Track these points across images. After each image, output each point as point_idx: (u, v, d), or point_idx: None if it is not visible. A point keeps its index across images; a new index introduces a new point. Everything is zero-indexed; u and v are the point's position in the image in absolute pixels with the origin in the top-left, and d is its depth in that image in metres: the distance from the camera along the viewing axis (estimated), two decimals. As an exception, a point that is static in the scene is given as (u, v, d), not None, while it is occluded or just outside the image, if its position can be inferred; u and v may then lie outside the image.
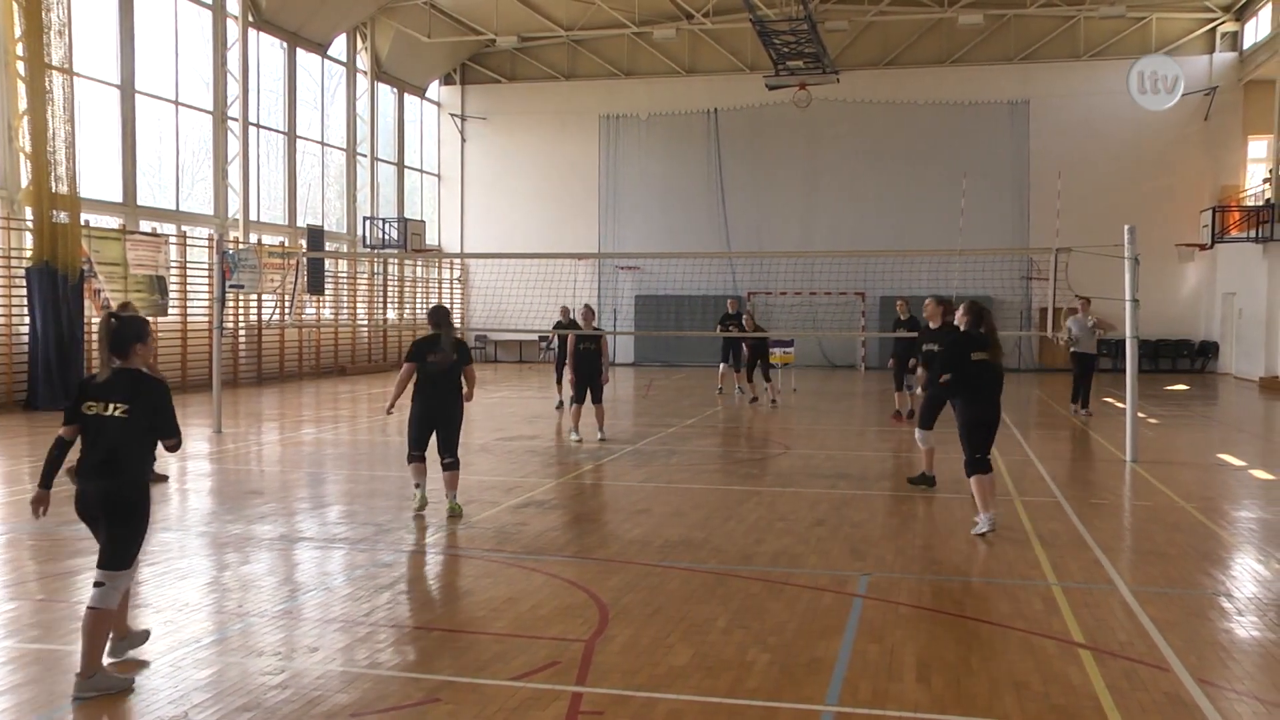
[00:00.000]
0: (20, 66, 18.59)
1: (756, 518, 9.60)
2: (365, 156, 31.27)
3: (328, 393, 23.00)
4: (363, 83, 31.04)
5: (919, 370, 11.92)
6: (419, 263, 33.29)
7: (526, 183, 34.65)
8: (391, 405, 9.70)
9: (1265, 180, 27.84)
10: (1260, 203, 27.21)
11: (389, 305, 31.70)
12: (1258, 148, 30.26)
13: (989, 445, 8.97)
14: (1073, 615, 6.57)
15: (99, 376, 5.31)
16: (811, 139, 32.29)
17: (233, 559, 8.07)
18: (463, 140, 35.34)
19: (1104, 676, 5.49)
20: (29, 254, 18.80)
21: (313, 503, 10.45)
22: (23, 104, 18.64)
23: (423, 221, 33.14)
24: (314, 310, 27.44)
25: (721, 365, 22.25)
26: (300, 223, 27.68)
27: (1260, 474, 12.39)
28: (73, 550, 8.09)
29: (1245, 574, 7.81)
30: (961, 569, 7.77)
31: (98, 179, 21.37)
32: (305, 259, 22.06)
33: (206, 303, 22.85)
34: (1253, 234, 26.66)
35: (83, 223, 19.51)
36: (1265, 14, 28.28)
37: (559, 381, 15.65)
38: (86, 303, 19.57)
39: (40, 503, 5.49)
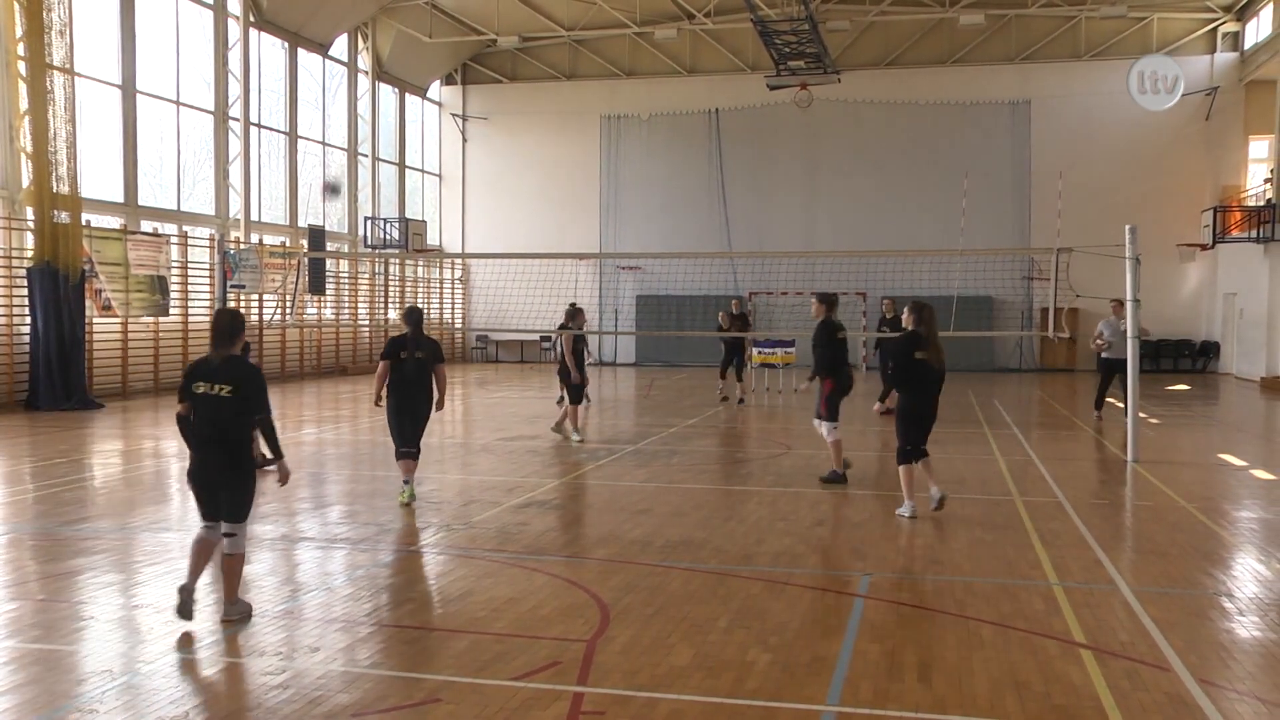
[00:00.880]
0: (21, 66, 18.60)
1: (757, 518, 9.60)
2: (366, 156, 31.28)
3: (329, 393, 23.01)
4: (364, 83, 31.05)
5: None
6: (420, 263, 33.29)
7: (528, 183, 34.65)
8: (376, 398, 10.18)
9: (1266, 180, 27.82)
10: (1261, 203, 27.20)
11: (390, 305, 31.69)
12: (1259, 148, 30.25)
13: (920, 438, 9.49)
14: (1074, 615, 6.57)
15: (211, 361, 6.40)
16: (812, 139, 32.28)
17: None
18: (464, 140, 35.34)
19: (1105, 676, 5.49)
20: (30, 254, 18.81)
21: (314, 503, 10.45)
22: (24, 104, 18.65)
23: (424, 221, 33.15)
24: (315, 310, 27.44)
25: (725, 371, 21.74)
26: (301, 223, 27.69)
27: (1261, 474, 12.38)
28: (74, 551, 8.10)
29: (1246, 574, 7.80)
30: (962, 569, 7.76)
31: (99, 179, 21.38)
32: (306, 259, 22.05)
33: (208, 303, 22.87)
34: (1254, 234, 26.65)
35: (84, 223, 19.52)
36: (1266, 14, 28.27)
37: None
38: (88, 303, 19.58)
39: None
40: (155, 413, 18.45)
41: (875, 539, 8.77)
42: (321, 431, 16.13)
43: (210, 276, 22.60)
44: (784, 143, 32.47)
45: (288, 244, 27.00)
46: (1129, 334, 13.46)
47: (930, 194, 30.99)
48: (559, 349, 15.08)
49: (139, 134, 22.36)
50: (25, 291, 18.67)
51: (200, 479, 6.39)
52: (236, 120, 25.21)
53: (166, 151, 23.77)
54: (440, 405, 10.17)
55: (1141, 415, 15.07)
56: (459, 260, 34.95)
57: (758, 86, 28.67)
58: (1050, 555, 8.15)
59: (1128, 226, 13.43)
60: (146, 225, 22.57)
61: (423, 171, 35.16)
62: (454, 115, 35.29)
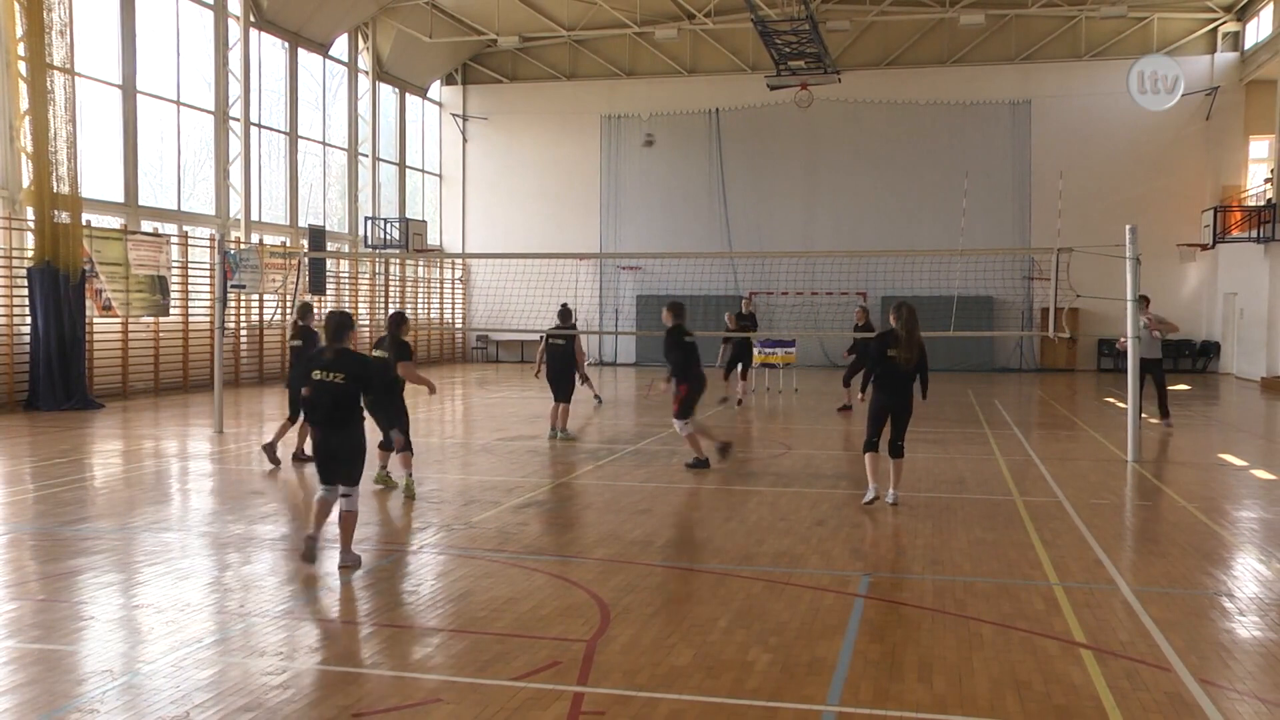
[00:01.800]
0: (22, 66, 18.60)
1: (757, 518, 9.59)
2: (367, 156, 31.28)
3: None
4: (364, 83, 31.05)
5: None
6: (420, 263, 33.29)
7: (528, 183, 34.66)
8: (430, 388, 10.73)
9: (1266, 180, 27.82)
10: (1261, 203, 27.20)
11: (390, 305, 31.68)
12: (1259, 148, 30.25)
13: (875, 431, 9.89)
14: (1074, 615, 6.56)
15: (325, 354, 7.63)
16: (813, 139, 32.29)
17: (234, 559, 8.08)
18: (464, 140, 35.34)
19: (1105, 676, 5.49)
20: (30, 254, 18.80)
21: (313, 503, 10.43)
22: (24, 104, 18.65)
23: (424, 221, 33.16)
24: (316, 311, 27.39)
25: (731, 374, 21.57)
26: (302, 223, 27.69)
27: (1261, 474, 12.38)
28: (74, 551, 8.10)
29: (1247, 574, 7.80)
30: (963, 569, 7.76)
31: (99, 179, 21.38)
32: (307, 259, 22.05)
33: (208, 303, 22.86)
34: (1254, 234, 26.65)
35: (84, 223, 19.52)
36: (1267, 14, 28.26)
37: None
38: (88, 303, 19.58)
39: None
40: (155, 413, 18.45)
41: (875, 539, 8.77)
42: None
43: (210, 276, 22.60)
44: (784, 143, 32.46)
45: (288, 244, 27.01)
46: (1129, 334, 13.46)
47: (930, 194, 31.00)
48: (556, 351, 15.12)
49: (139, 134, 22.36)
50: (25, 291, 18.67)
51: (321, 451, 7.61)
52: (237, 120, 25.21)
53: (167, 151, 23.77)
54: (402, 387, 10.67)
55: (1142, 415, 15.07)
56: (459, 260, 34.95)
57: (758, 86, 28.68)
58: (1050, 555, 8.15)
59: (1128, 226, 13.43)
60: (147, 225, 22.56)
61: (423, 171, 35.16)
62: (454, 115, 35.29)
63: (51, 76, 18.72)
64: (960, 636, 6.17)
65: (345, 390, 7.53)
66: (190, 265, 23.32)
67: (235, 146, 25.17)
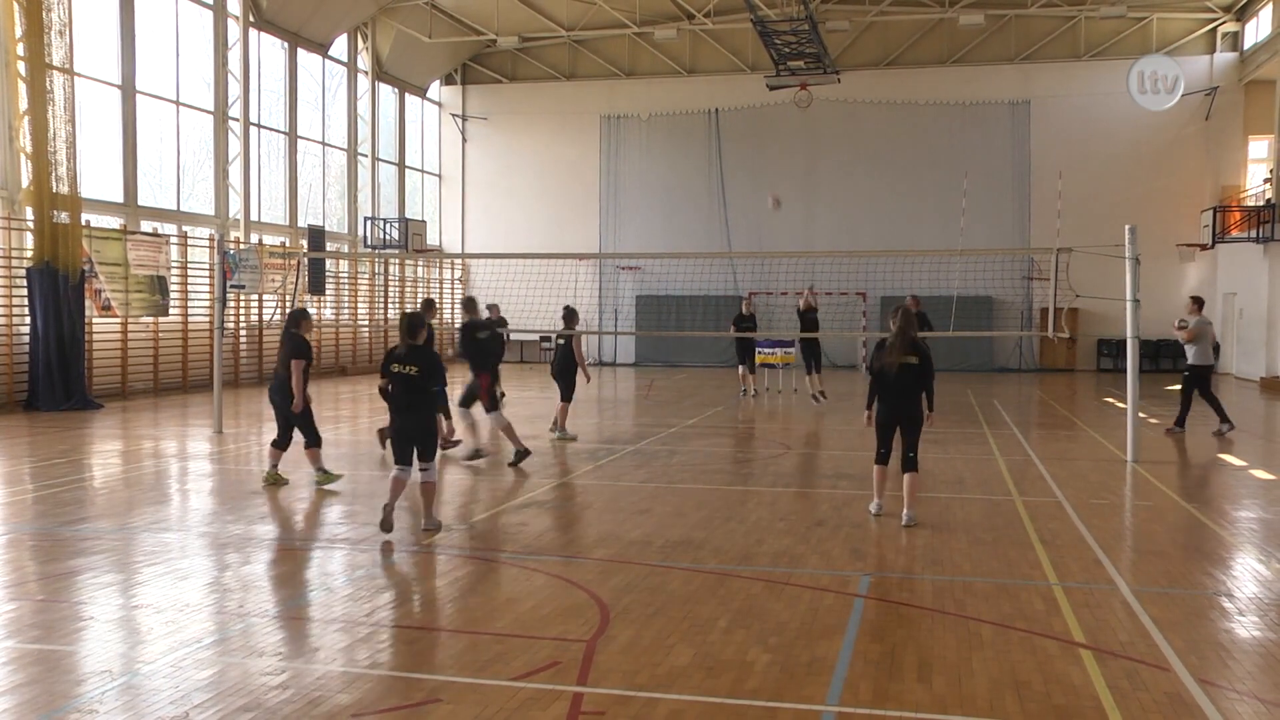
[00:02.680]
0: (21, 67, 18.59)
1: (757, 518, 9.59)
2: (366, 156, 31.27)
3: (329, 393, 22.99)
4: (364, 83, 31.05)
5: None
6: (420, 263, 33.29)
7: (527, 183, 34.66)
8: (301, 398, 10.93)
9: (1266, 180, 27.82)
10: (1261, 203, 27.20)
11: (390, 305, 31.70)
12: (1258, 148, 30.25)
13: (882, 441, 9.45)
14: (1074, 615, 6.57)
15: (398, 349, 8.71)
16: (812, 139, 32.29)
17: (233, 559, 8.07)
18: (464, 140, 35.34)
19: (1105, 676, 5.49)
20: (30, 254, 18.80)
21: (313, 503, 10.44)
22: (24, 104, 18.65)
23: (424, 222, 33.15)
24: (315, 310, 27.43)
25: (740, 368, 22.08)
26: (301, 223, 27.68)
27: (1261, 474, 12.38)
28: (74, 551, 8.10)
29: (1246, 574, 7.80)
30: (962, 569, 7.76)
31: (99, 179, 21.38)
32: (306, 259, 22.05)
33: (207, 303, 22.87)
34: (1253, 234, 26.65)
35: (84, 223, 19.51)
36: (1266, 14, 28.27)
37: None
38: (87, 303, 19.57)
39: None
40: (155, 413, 18.44)
41: (875, 539, 8.77)
42: (321, 432, 16.08)
43: (210, 277, 22.60)
44: (784, 143, 32.47)
45: (287, 244, 27.00)
46: (1128, 333, 13.45)
47: (930, 194, 31.00)
48: (558, 351, 15.23)
49: (139, 134, 22.35)
50: (25, 292, 18.67)
51: (401, 434, 8.70)
52: (236, 120, 25.20)
53: (166, 151, 23.76)
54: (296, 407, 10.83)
55: (1141, 415, 15.07)
56: (458, 260, 34.95)
57: (757, 86, 28.67)
58: (1050, 555, 8.15)
59: (1127, 226, 13.42)
60: (146, 225, 22.56)
61: (422, 171, 35.15)
62: (454, 115, 35.29)
63: (51, 76, 18.72)
64: (960, 636, 6.17)
65: (418, 380, 8.58)
66: (190, 265, 23.31)
67: (235, 146, 25.17)
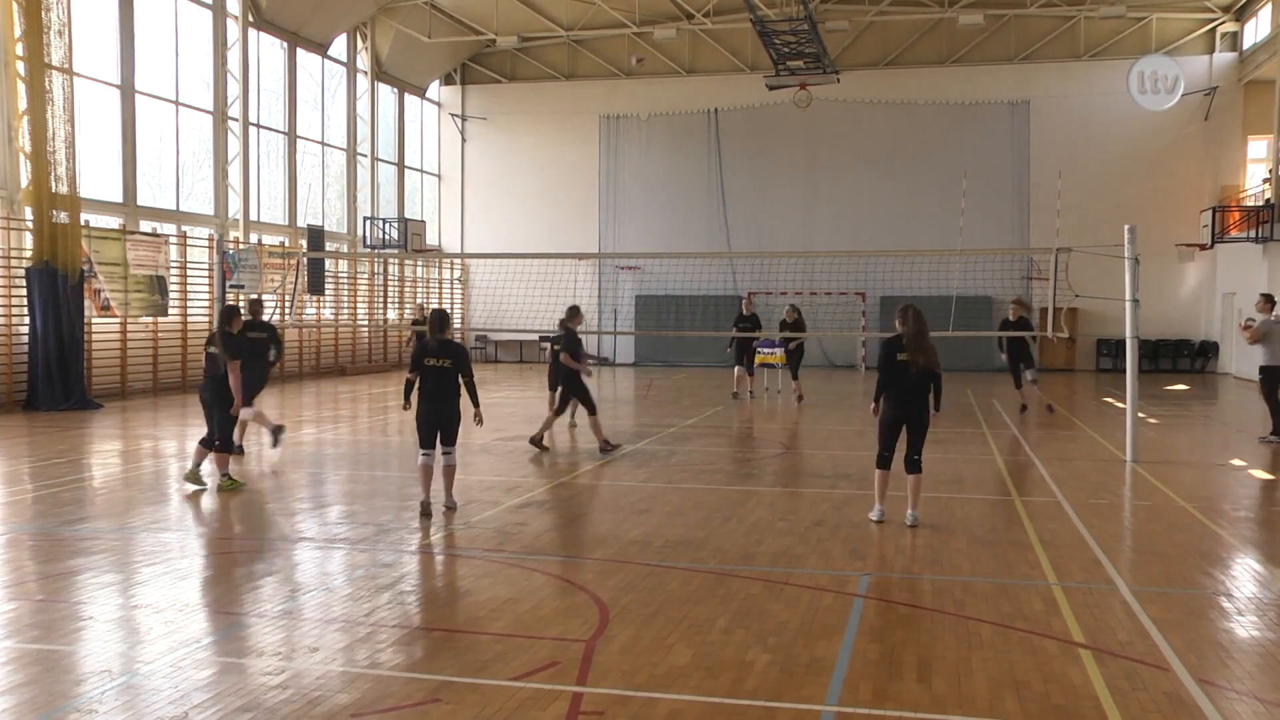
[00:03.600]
0: (20, 66, 18.58)
1: (757, 518, 9.59)
2: (365, 156, 31.27)
3: (328, 393, 22.99)
4: (363, 83, 31.04)
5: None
6: (419, 263, 33.28)
7: (527, 183, 34.65)
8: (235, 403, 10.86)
9: (1265, 180, 27.84)
10: (1260, 203, 27.21)
11: (389, 305, 31.69)
12: (1258, 148, 30.26)
13: (887, 443, 9.29)
14: (1073, 615, 6.57)
15: (429, 344, 9.44)
16: (812, 139, 32.28)
17: (233, 559, 8.07)
18: (463, 140, 35.33)
19: (1104, 676, 5.49)
20: (29, 254, 18.79)
21: (313, 503, 10.44)
22: (23, 104, 18.63)
23: (423, 221, 33.14)
24: (314, 310, 27.43)
25: (736, 368, 21.74)
26: (300, 223, 27.68)
27: (1260, 474, 12.39)
28: (73, 551, 8.10)
29: (1245, 574, 7.81)
30: (962, 569, 7.77)
31: (98, 179, 21.37)
32: (305, 259, 22.05)
33: (207, 303, 22.86)
34: (1253, 234, 26.66)
35: (83, 223, 19.50)
36: (1265, 14, 28.28)
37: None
38: (87, 303, 19.56)
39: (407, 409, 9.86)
40: (154, 413, 18.44)
41: (875, 539, 8.77)
42: (321, 432, 16.12)
43: (209, 276, 22.60)
44: (783, 143, 32.46)
45: (287, 244, 26.99)
46: (1128, 333, 13.45)
47: (930, 194, 30.99)
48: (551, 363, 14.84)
49: (138, 134, 22.34)
50: (24, 292, 18.66)
51: (429, 421, 9.45)
52: (235, 120, 25.19)
53: (165, 151, 23.76)
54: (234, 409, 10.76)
55: (1141, 415, 15.07)
56: (458, 260, 34.95)
57: (757, 86, 28.67)
58: (1050, 555, 8.15)
59: (1127, 226, 13.42)
60: (145, 225, 22.55)
61: (422, 171, 35.15)
62: (453, 115, 35.28)
63: (50, 76, 18.71)
64: (959, 636, 6.17)
65: (450, 373, 9.39)
66: (189, 265, 23.30)
67: (234, 146, 25.16)
